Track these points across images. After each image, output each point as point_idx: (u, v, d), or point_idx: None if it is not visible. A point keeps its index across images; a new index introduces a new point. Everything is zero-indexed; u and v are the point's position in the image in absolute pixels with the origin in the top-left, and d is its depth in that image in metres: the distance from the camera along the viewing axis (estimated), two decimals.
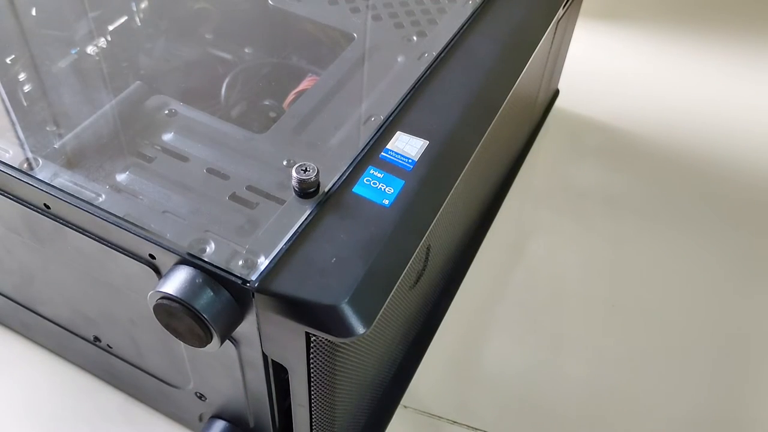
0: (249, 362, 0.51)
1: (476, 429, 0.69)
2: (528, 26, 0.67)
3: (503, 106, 0.60)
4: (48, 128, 0.53)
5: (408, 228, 0.48)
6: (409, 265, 0.47)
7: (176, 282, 0.44)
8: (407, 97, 0.57)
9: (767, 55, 1.16)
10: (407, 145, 0.53)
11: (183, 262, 0.45)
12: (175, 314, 0.45)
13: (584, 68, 1.09)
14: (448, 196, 0.52)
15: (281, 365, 0.49)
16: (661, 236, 0.87)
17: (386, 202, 0.49)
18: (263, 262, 0.45)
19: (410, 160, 0.52)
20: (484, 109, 0.58)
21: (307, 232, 0.47)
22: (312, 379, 0.49)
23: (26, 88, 0.57)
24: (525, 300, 0.80)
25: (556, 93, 1.03)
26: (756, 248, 0.87)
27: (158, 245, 0.46)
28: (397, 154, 0.52)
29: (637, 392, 0.72)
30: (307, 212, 0.48)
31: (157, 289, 0.45)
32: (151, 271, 0.48)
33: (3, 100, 0.56)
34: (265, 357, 0.49)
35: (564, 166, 0.95)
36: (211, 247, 0.46)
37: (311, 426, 0.55)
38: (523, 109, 0.81)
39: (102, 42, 0.63)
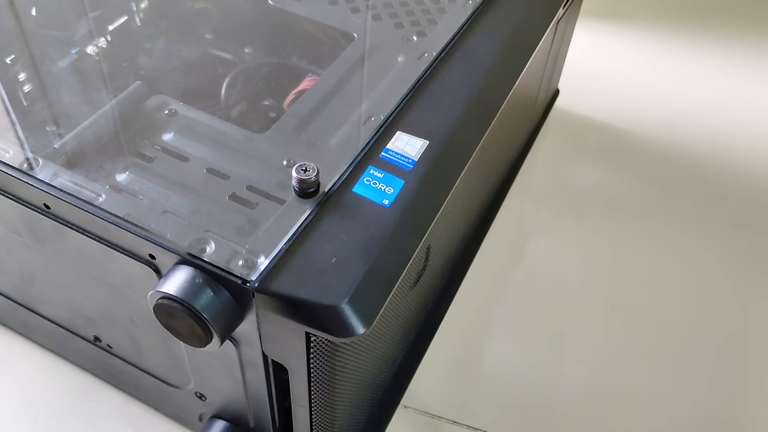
0: (249, 362, 0.51)
1: (476, 429, 0.69)
2: (528, 26, 0.67)
3: (503, 106, 0.60)
4: (48, 128, 0.53)
5: (408, 228, 0.48)
6: (409, 265, 0.48)
7: (176, 282, 0.44)
8: (407, 97, 0.57)
9: (767, 55, 1.16)
10: (407, 145, 0.53)
11: (183, 262, 0.45)
12: (175, 314, 0.45)
13: (584, 68, 1.09)
14: (448, 196, 0.52)
15: (281, 365, 0.49)
16: (661, 236, 0.87)
17: (386, 202, 0.49)
18: (263, 262, 0.45)
19: (410, 160, 0.52)
20: (484, 109, 0.58)
21: (307, 232, 0.47)
22: (312, 379, 0.49)
23: (26, 88, 0.57)
24: (525, 300, 0.80)
25: (556, 93, 1.03)
26: (756, 248, 0.87)
27: (158, 245, 0.46)
28: (397, 154, 0.52)
29: (637, 392, 0.72)
30: (307, 212, 0.48)
31: (157, 289, 0.45)
32: (151, 271, 0.48)
33: (3, 100, 0.56)
34: (265, 357, 0.49)
35: (564, 166, 0.95)
36: (211, 247, 0.46)
37: (311, 426, 0.55)
38: (523, 109, 0.81)
39: (102, 42, 0.63)
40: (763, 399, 0.72)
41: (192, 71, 0.65)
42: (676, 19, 1.22)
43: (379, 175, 0.50)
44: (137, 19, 0.67)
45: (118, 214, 0.47)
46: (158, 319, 0.46)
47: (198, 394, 0.59)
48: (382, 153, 0.52)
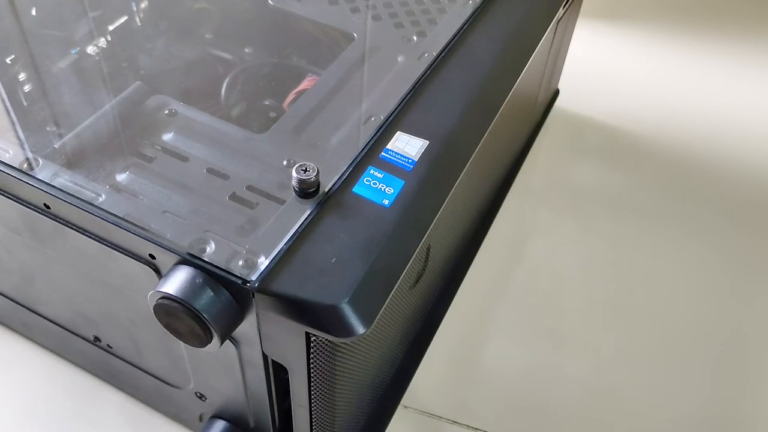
0: (249, 362, 0.51)
1: (476, 429, 0.69)
2: (528, 26, 0.67)
3: (503, 106, 0.60)
4: (48, 128, 0.53)
5: (408, 228, 0.48)
6: (409, 265, 0.48)
7: (176, 282, 0.44)
8: (407, 97, 0.57)
9: (767, 55, 1.16)
10: (407, 145, 0.53)
11: (183, 262, 0.45)
12: (175, 314, 0.45)
13: (584, 68, 1.09)
14: (448, 196, 0.52)
15: (281, 365, 0.49)
16: (661, 236, 0.87)
17: (386, 202, 0.49)
18: (263, 262, 0.45)
19: (410, 160, 0.52)
20: (484, 109, 0.58)
21: (307, 232, 0.47)
22: (312, 379, 0.49)
23: (26, 88, 0.57)
24: (525, 300, 0.80)
25: (556, 93, 1.03)
26: (756, 248, 0.87)
27: (158, 245, 0.46)
28: (397, 154, 0.52)
29: (637, 392, 0.72)
30: (307, 212, 0.48)
31: (157, 289, 0.45)
32: (151, 271, 0.48)
33: (3, 100, 0.56)
34: (265, 357, 0.49)
35: (564, 166, 0.95)
36: (211, 247, 0.46)
37: (311, 426, 0.55)
38: (523, 109, 0.81)
39: (102, 42, 0.64)
40: (763, 399, 0.72)
41: (192, 71, 0.65)
42: (676, 19, 1.22)
43: (379, 175, 0.50)
44: (137, 19, 0.67)
45: (118, 214, 0.47)
46: (158, 319, 0.46)
47: (198, 394, 0.59)
48: (382, 153, 0.52)
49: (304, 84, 0.63)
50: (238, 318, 0.46)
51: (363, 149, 0.52)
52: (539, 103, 0.93)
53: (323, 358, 0.47)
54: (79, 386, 0.69)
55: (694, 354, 0.76)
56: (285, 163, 0.52)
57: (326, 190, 0.49)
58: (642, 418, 0.71)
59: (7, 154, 0.51)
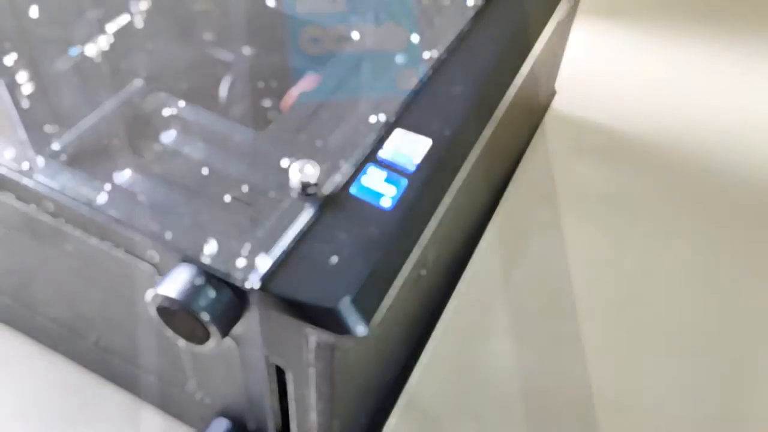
0: (249, 362, 0.51)
1: (476, 429, 0.69)
2: (528, 26, 0.67)
3: (504, 105, 0.60)
4: (48, 128, 0.53)
5: (409, 228, 0.48)
6: (409, 265, 0.47)
7: (176, 282, 0.44)
8: (408, 97, 0.57)
9: None
10: (408, 145, 0.53)
11: (183, 262, 0.45)
12: (174, 314, 0.45)
13: (583, 68, 1.09)
14: (449, 197, 0.52)
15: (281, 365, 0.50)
16: (661, 236, 0.87)
17: (387, 202, 0.49)
18: (263, 263, 0.45)
19: (411, 161, 0.52)
20: (485, 109, 0.58)
21: (307, 232, 0.47)
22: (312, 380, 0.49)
23: (26, 88, 0.57)
24: (525, 300, 0.80)
25: (556, 93, 1.03)
26: (756, 248, 0.87)
27: (158, 245, 0.46)
28: (398, 154, 0.52)
29: (638, 392, 0.73)
30: (308, 212, 0.48)
31: (157, 289, 0.45)
32: (151, 271, 0.48)
33: (3, 100, 0.56)
34: (265, 357, 0.49)
35: (564, 166, 0.95)
36: (211, 247, 0.46)
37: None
38: (524, 109, 0.81)
39: (102, 42, 0.63)
40: (763, 399, 0.72)
41: (192, 71, 0.65)
42: (677, 19, 1.22)
43: (379, 175, 0.50)
44: (138, 19, 0.67)
45: (118, 214, 0.47)
46: (158, 319, 0.46)
47: (198, 394, 0.59)
48: (383, 153, 0.52)
49: (304, 84, 0.63)
50: (238, 318, 0.46)
51: (363, 149, 0.52)
52: (539, 103, 0.93)
53: (324, 358, 0.47)
54: (79, 386, 0.69)
55: (694, 354, 0.76)
56: (285, 163, 0.52)
57: (326, 190, 0.49)
58: (642, 418, 0.71)
59: (8, 154, 0.51)
